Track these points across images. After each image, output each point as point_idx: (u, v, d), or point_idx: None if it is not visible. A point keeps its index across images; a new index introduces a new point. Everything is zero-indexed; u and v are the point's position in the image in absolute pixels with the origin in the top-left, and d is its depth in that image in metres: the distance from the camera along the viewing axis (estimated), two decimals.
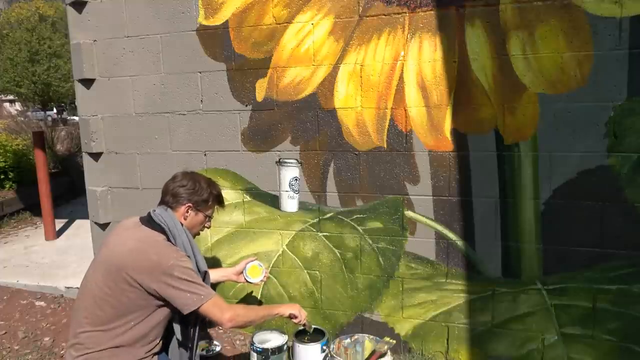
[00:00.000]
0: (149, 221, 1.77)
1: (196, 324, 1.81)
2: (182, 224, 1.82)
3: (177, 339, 1.80)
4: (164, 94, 2.62)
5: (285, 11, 2.35)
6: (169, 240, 1.74)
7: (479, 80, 2.13)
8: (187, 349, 1.83)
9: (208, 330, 2.65)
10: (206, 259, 2.64)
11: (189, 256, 1.75)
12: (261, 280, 2.24)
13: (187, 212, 1.83)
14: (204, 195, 1.85)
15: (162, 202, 1.85)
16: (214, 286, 2.59)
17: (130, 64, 2.65)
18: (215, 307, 1.67)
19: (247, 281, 2.20)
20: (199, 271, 1.85)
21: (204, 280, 1.88)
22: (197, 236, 1.99)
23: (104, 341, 1.64)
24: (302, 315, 2.00)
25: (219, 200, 1.95)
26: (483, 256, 2.26)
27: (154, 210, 1.81)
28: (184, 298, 1.64)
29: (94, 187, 2.85)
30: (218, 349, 2.46)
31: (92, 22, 2.70)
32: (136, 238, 1.72)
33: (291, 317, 1.98)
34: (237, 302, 2.64)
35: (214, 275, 2.25)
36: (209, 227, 1.99)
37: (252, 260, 2.24)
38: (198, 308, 1.65)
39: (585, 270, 2.11)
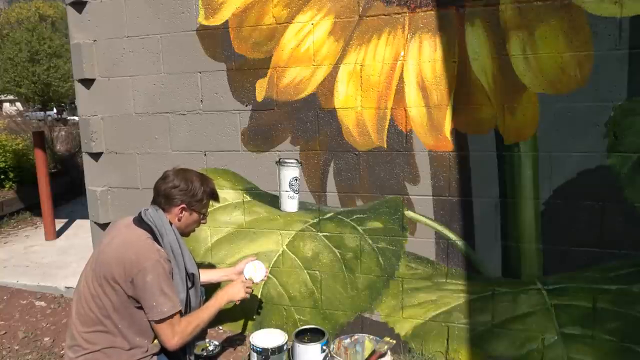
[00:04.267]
0: (139, 221, 1.76)
1: None
2: (171, 224, 1.79)
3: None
4: (164, 94, 2.62)
5: (285, 11, 2.35)
6: (156, 240, 1.72)
7: (479, 80, 2.13)
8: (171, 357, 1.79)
9: (208, 330, 2.65)
10: (206, 258, 2.65)
11: (170, 260, 1.72)
12: (261, 280, 2.24)
13: (181, 213, 1.81)
14: (197, 195, 1.82)
15: (154, 202, 1.83)
16: (214, 286, 2.59)
17: (130, 64, 2.65)
18: (168, 328, 1.65)
19: None
20: (187, 273, 1.82)
21: (193, 283, 1.86)
22: (193, 232, 1.96)
23: (98, 341, 1.63)
24: (243, 294, 1.98)
25: (214, 197, 1.92)
26: (483, 256, 2.26)
27: (146, 209, 1.80)
28: (148, 305, 1.62)
29: (94, 187, 2.85)
30: (218, 349, 2.47)
31: (92, 22, 2.70)
32: (123, 237, 1.72)
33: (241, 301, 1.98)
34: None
35: (215, 275, 2.25)
36: (204, 223, 1.97)
37: (252, 260, 2.24)
38: (153, 321, 1.64)
39: (585, 270, 2.11)
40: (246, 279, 2.19)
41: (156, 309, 1.62)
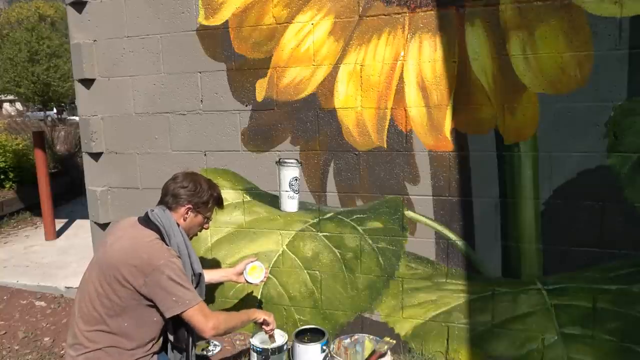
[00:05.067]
0: (145, 221, 1.77)
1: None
2: (179, 225, 1.81)
3: (170, 340, 1.79)
4: (164, 94, 2.62)
5: (285, 11, 2.35)
6: (163, 240, 1.73)
7: (479, 80, 2.13)
8: (181, 351, 1.80)
9: None
10: (206, 258, 2.65)
11: (180, 257, 1.74)
12: (261, 281, 2.24)
13: (187, 213, 1.83)
14: (204, 197, 1.85)
15: (162, 202, 1.85)
16: (215, 287, 2.60)
17: (130, 64, 2.65)
18: (199, 314, 1.65)
19: (247, 282, 2.20)
20: (194, 273, 1.84)
21: (198, 282, 1.87)
22: (195, 237, 1.98)
23: (100, 340, 1.64)
24: (273, 324, 2.02)
25: (219, 202, 1.95)
26: (483, 256, 2.26)
27: (152, 210, 1.80)
28: (168, 301, 1.62)
29: (94, 187, 2.85)
30: (218, 349, 2.47)
31: (92, 22, 2.70)
32: (130, 237, 1.72)
33: (263, 323, 1.99)
34: (237, 302, 2.64)
35: (215, 275, 2.25)
36: (207, 229, 1.99)
37: (252, 261, 2.24)
38: (181, 313, 1.63)
39: (585, 270, 2.11)
40: (246, 280, 2.19)
41: (179, 301, 1.62)
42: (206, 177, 1.95)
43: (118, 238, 1.74)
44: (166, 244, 1.73)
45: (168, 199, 1.82)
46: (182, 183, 1.83)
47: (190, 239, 1.93)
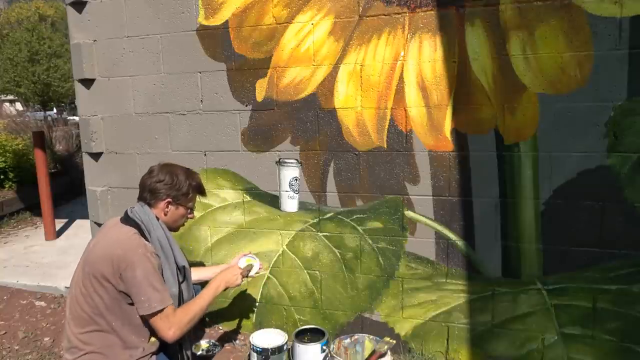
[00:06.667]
0: (125, 219, 1.77)
1: None
2: (158, 219, 1.80)
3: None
4: (164, 94, 2.62)
5: (285, 11, 2.35)
6: (143, 235, 1.72)
7: (479, 80, 2.13)
8: (173, 355, 1.79)
9: (207, 330, 2.65)
10: (206, 259, 2.65)
11: (158, 254, 1.72)
12: (256, 273, 2.22)
13: (167, 207, 1.82)
14: (183, 189, 1.82)
15: (140, 198, 1.83)
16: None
17: (130, 64, 2.65)
18: (162, 320, 1.64)
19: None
20: (178, 267, 1.83)
21: (184, 276, 1.86)
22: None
23: (94, 342, 1.63)
24: (240, 280, 2.00)
25: (200, 191, 1.92)
26: (483, 256, 2.25)
27: (132, 207, 1.80)
28: (137, 299, 1.62)
29: (94, 187, 2.85)
30: (218, 349, 2.47)
31: (92, 22, 2.70)
32: (110, 236, 1.73)
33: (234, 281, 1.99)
34: (236, 300, 2.64)
35: (209, 273, 2.24)
36: (192, 218, 1.97)
37: (246, 254, 2.23)
38: (145, 315, 1.63)
39: (585, 270, 2.11)
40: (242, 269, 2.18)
41: (146, 303, 1.62)
42: (183, 166, 1.91)
43: (102, 238, 1.75)
44: (146, 239, 1.72)
45: (146, 194, 1.81)
46: (158, 177, 1.80)
47: (178, 229, 1.92)
